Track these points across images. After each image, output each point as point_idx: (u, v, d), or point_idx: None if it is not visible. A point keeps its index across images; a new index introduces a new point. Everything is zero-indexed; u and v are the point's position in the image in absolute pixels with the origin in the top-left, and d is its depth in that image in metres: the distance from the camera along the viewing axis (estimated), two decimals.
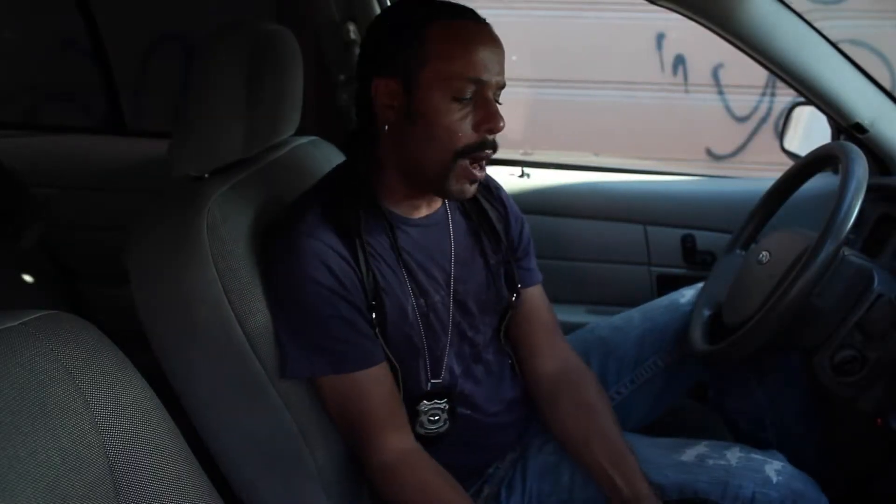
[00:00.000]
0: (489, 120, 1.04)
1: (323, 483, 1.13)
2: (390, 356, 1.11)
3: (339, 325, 1.06)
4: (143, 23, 2.36)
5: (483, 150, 1.06)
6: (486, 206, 1.24)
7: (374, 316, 1.08)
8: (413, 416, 1.15)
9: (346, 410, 1.10)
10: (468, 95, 1.04)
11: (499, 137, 1.08)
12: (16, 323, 0.69)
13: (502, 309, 1.25)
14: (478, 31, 1.06)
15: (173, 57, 2.44)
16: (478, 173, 1.08)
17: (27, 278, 1.94)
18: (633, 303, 1.54)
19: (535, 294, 1.29)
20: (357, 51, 1.83)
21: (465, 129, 1.04)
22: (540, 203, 1.91)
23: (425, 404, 1.15)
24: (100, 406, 0.70)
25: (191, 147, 1.12)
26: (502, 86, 1.07)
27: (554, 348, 1.28)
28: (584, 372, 1.27)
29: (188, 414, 1.09)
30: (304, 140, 1.39)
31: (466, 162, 1.06)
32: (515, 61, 4.39)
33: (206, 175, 1.15)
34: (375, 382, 1.09)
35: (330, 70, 1.91)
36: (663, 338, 1.41)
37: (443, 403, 1.16)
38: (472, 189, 1.09)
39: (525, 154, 3.42)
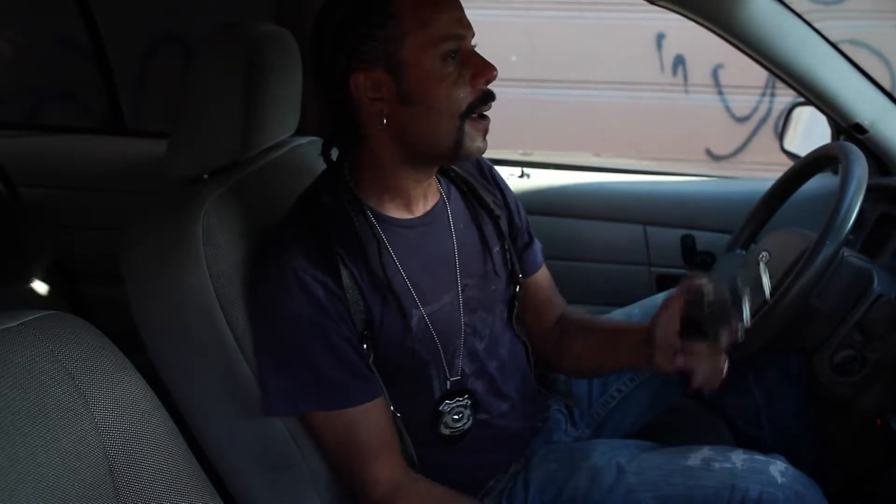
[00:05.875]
0: (482, 71, 1.02)
1: (317, 488, 1.13)
2: (384, 389, 1.08)
3: (323, 357, 1.03)
4: (143, 23, 2.35)
5: (486, 104, 1.04)
6: (482, 190, 1.21)
7: (364, 347, 1.05)
8: (436, 417, 1.13)
9: (337, 446, 1.07)
10: (454, 54, 1.01)
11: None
12: (16, 323, 0.69)
13: (509, 298, 1.23)
14: None
15: (173, 57, 2.44)
16: (485, 123, 1.05)
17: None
18: (632, 303, 1.54)
19: (540, 276, 1.30)
20: None
21: (462, 89, 1.02)
22: (540, 203, 1.91)
23: (448, 404, 1.13)
24: (100, 406, 0.70)
25: (188, 148, 1.12)
26: (473, 33, 1.05)
27: (555, 305, 1.32)
28: (568, 308, 1.33)
29: (182, 415, 1.09)
30: (303, 140, 1.39)
31: (473, 118, 1.04)
32: (516, 61, 4.39)
33: (206, 176, 1.15)
34: (367, 417, 1.06)
35: None
36: None
37: (464, 400, 1.14)
38: (485, 141, 1.06)
39: (525, 154, 3.42)
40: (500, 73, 1.05)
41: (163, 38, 2.49)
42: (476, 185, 1.21)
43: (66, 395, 0.68)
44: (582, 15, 4.35)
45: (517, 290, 1.23)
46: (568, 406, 1.35)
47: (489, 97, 1.04)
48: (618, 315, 1.48)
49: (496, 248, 1.20)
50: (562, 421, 1.35)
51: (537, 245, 1.30)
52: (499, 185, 1.26)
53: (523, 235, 1.27)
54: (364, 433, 1.06)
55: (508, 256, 1.22)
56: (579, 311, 1.33)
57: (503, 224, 1.22)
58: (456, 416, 1.14)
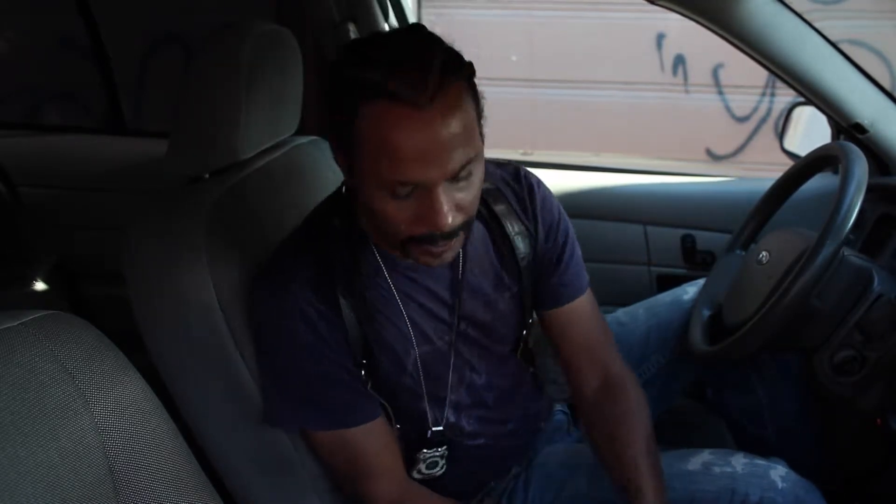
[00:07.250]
0: (430, 220, 0.89)
1: (317, 491, 1.13)
2: (386, 406, 1.08)
3: (323, 383, 1.03)
4: (143, 23, 2.35)
5: (433, 243, 0.93)
6: (510, 226, 1.11)
7: (363, 373, 1.04)
8: (411, 462, 1.13)
9: (339, 462, 1.07)
10: (404, 195, 0.89)
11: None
12: (15, 323, 0.69)
13: (516, 339, 1.18)
14: (413, 124, 0.85)
15: (173, 57, 2.44)
16: (439, 250, 0.94)
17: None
18: (633, 303, 1.54)
19: (574, 309, 1.17)
20: None
21: (407, 222, 0.91)
22: None
23: (425, 453, 1.12)
24: (100, 406, 0.70)
25: (188, 148, 1.12)
26: (457, 170, 0.88)
27: (595, 364, 1.18)
28: (622, 381, 1.17)
29: (182, 415, 1.09)
30: (303, 140, 1.39)
31: (420, 246, 0.94)
32: (516, 61, 4.39)
33: (206, 176, 1.15)
34: (369, 436, 1.06)
35: None
36: (667, 334, 1.41)
37: (442, 450, 1.13)
38: (438, 257, 0.96)
39: (525, 154, 3.43)
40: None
41: (163, 38, 2.49)
42: (504, 218, 1.11)
43: (65, 395, 0.68)
44: (582, 15, 4.34)
45: (524, 333, 1.18)
46: (570, 407, 1.35)
47: (437, 238, 0.92)
48: (622, 314, 1.47)
49: (507, 294, 1.13)
50: (564, 422, 1.35)
51: (570, 277, 1.16)
52: (536, 216, 1.13)
53: (548, 264, 1.15)
54: (363, 453, 1.06)
55: (520, 300, 1.15)
56: (642, 407, 1.15)
57: (524, 264, 1.13)
58: (431, 464, 1.13)
